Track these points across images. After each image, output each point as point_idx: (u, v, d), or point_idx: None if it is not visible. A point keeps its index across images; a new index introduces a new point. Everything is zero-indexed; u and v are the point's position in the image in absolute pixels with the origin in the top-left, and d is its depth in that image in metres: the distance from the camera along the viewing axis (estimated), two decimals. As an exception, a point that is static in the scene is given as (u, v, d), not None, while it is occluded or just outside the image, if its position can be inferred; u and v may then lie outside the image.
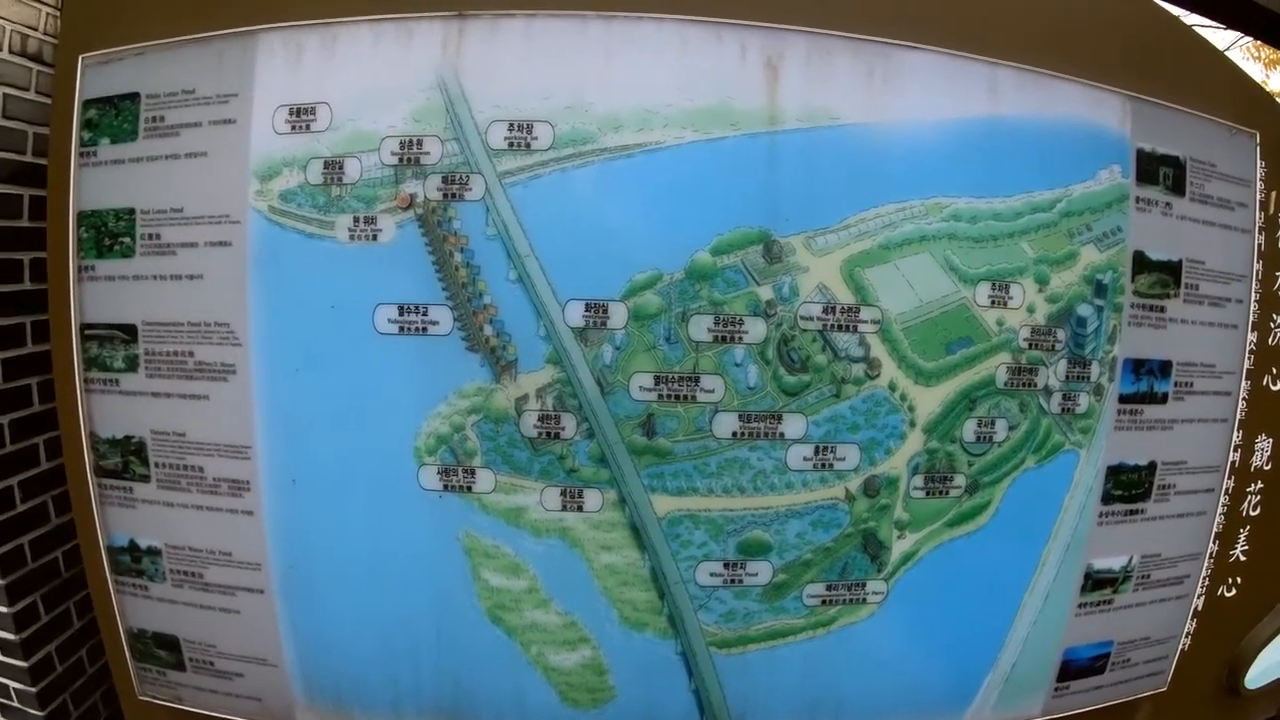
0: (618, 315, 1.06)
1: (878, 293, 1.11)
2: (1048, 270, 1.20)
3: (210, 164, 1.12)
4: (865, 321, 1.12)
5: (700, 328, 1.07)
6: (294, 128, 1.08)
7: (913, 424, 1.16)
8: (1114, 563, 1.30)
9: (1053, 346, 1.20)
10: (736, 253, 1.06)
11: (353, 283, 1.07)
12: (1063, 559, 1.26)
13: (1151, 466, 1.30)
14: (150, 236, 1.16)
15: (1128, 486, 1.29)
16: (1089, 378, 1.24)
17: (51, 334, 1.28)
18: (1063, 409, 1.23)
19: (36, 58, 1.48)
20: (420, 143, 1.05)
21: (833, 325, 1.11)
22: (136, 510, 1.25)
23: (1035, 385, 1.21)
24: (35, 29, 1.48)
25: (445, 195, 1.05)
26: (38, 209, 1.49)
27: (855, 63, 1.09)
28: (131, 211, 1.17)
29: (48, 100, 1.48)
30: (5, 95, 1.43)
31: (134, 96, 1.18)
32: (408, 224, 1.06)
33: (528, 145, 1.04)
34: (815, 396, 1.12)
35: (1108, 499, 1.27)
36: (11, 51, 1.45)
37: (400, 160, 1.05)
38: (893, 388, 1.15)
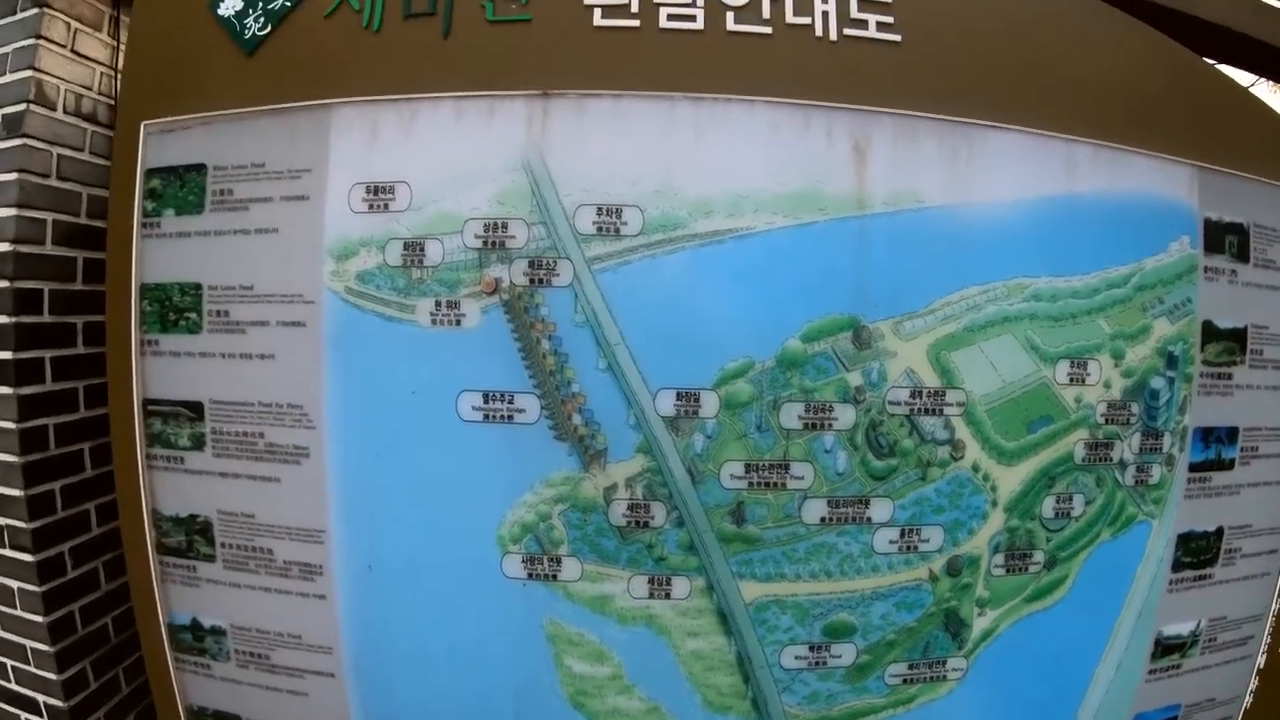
0: (709, 404, 0.99)
1: (963, 375, 1.05)
2: (1123, 345, 1.14)
3: (282, 241, 1.03)
4: (950, 404, 1.05)
5: (791, 415, 1.00)
6: (371, 207, 1.00)
7: (994, 503, 1.10)
8: (1183, 628, 1.25)
9: (1127, 420, 1.15)
10: (827, 339, 1.00)
11: (435, 368, 0.99)
12: (1134, 628, 1.20)
13: (1219, 532, 1.25)
14: (218, 313, 1.07)
15: (1196, 553, 1.24)
16: (1161, 449, 1.19)
17: (110, 408, 1.17)
18: (1137, 481, 1.17)
19: (91, 118, 1.38)
20: (505, 226, 0.97)
21: (919, 409, 1.04)
22: (200, 589, 1.15)
23: (1111, 459, 1.15)
24: (90, 89, 1.38)
25: (532, 280, 0.97)
26: (91, 272, 1.39)
27: (940, 145, 1.03)
28: (198, 286, 1.08)
29: (103, 162, 1.39)
30: (59, 156, 1.33)
31: (200, 168, 1.09)
32: (493, 309, 0.98)
33: (617, 230, 0.96)
34: (902, 480, 1.06)
35: (1177, 566, 1.22)
36: (66, 111, 1.34)
37: (485, 244, 0.98)
38: (976, 469, 1.08)
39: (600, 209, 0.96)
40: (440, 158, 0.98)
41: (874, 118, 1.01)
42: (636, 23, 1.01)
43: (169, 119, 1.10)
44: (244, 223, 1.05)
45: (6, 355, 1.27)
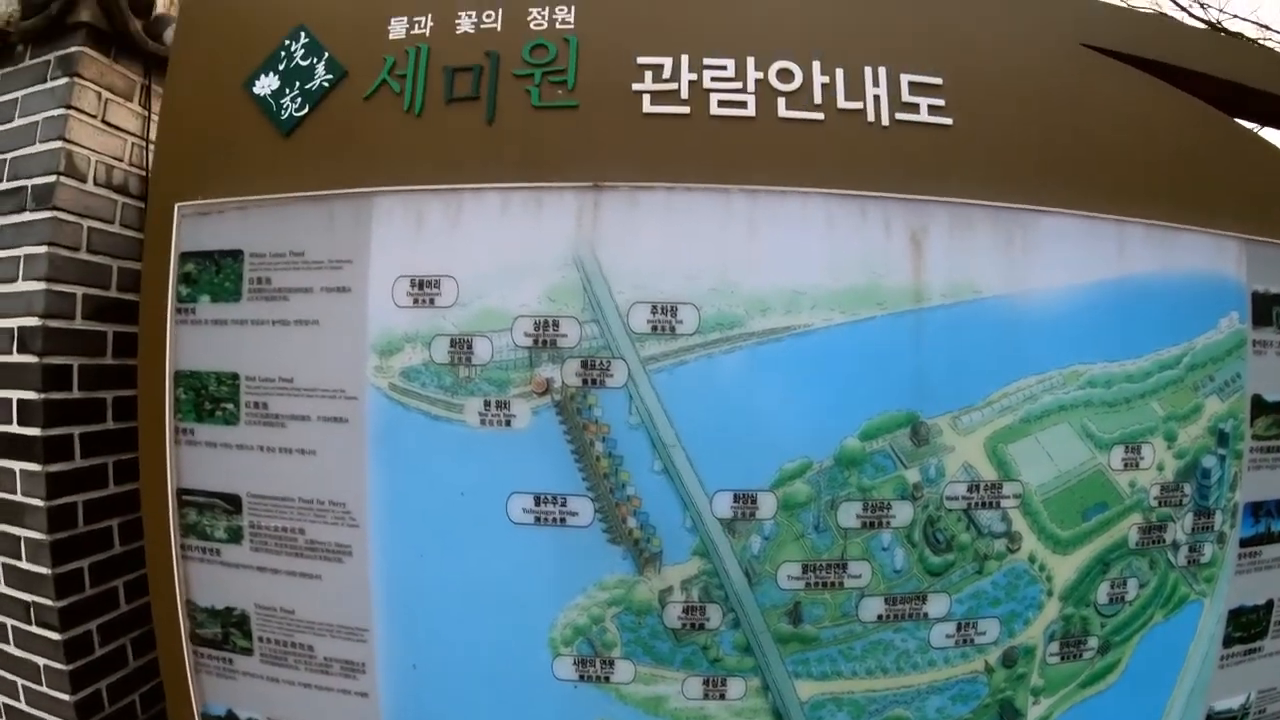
0: (767, 506, 0.93)
1: (1019, 467, 0.99)
2: (1176, 426, 1.08)
3: (323, 334, 0.97)
4: (1007, 496, 0.99)
5: (849, 514, 0.94)
6: (416, 301, 0.93)
7: (1050, 592, 1.04)
8: (1233, 702, 1.19)
9: (1180, 501, 1.09)
10: (885, 437, 0.94)
11: (484, 469, 0.92)
12: (1186, 705, 1.15)
13: (1269, 605, 1.19)
14: (256, 405, 1.00)
15: (1247, 627, 1.18)
16: (1213, 527, 1.13)
17: (143, 497, 1.08)
18: (1189, 561, 1.11)
19: (122, 189, 1.32)
20: (557, 324, 0.91)
21: (977, 503, 0.98)
22: (236, 681, 1.07)
23: (1164, 541, 1.10)
24: (121, 159, 1.32)
25: (585, 381, 0.91)
26: (122, 347, 1.32)
27: (995, 232, 0.97)
28: (235, 377, 1.01)
29: (134, 234, 1.32)
30: (90, 229, 1.27)
31: (237, 254, 1.02)
32: (544, 410, 0.92)
33: (672, 329, 0.90)
34: (959, 575, 1.00)
35: (1228, 641, 1.17)
36: (97, 183, 1.28)
37: (535, 342, 0.91)
38: (1032, 559, 1.02)
39: (655, 307, 0.90)
40: (487, 251, 0.92)
41: (930, 207, 0.95)
42: (686, 109, 0.95)
43: (203, 202, 1.03)
44: (283, 313, 0.98)
45: (35, 432, 1.21)
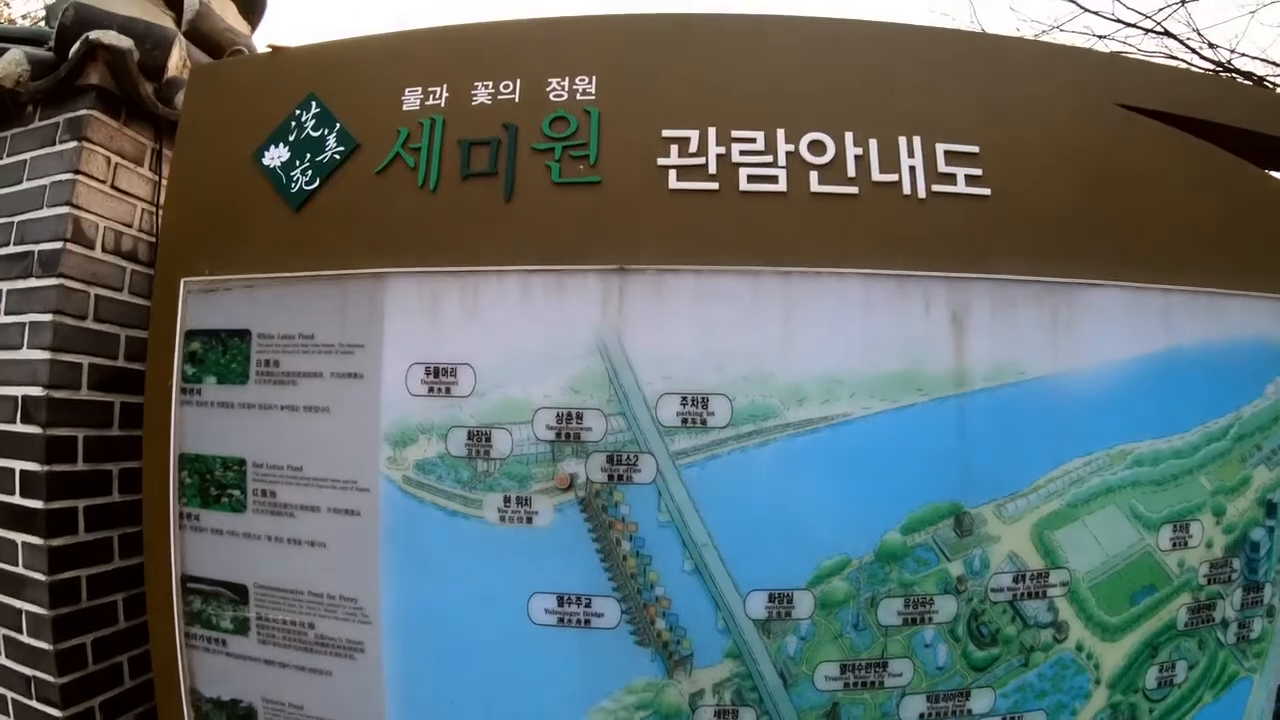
0: (804, 605, 0.84)
1: (1066, 554, 0.91)
2: (1224, 501, 1.00)
3: (334, 422, 0.89)
4: (1054, 585, 0.91)
5: (890, 611, 0.86)
6: (432, 390, 0.85)
7: (1098, 681, 0.95)
8: None
9: (1229, 577, 1.01)
10: (927, 530, 0.86)
11: (504, 568, 0.84)
12: (1235, 792, 1.10)
13: None
14: (264, 493, 0.93)
15: None
16: (1262, 601, 1.05)
17: (147, 582, 1.00)
18: (1239, 638, 1.03)
19: (131, 256, 1.24)
20: (580, 416, 0.83)
21: (1023, 594, 0.90)
22: (244, 775, 1.06)
23: (1214, 620, 1.01)
24: (130, 225, 1.23)
25: (611, 477, 0.83)
26: (129, 418, 1.23)
27: (1038, 309, 0.89)
28: (242, 462, 0.94)
29: (143, 302, 1.23)
30: (97, 297, 1.18)
31: (244, 334, 0.94)
32: (568, 507, 0.84)
33: (704, 422, 0.82)
34: (1004, 669, 0.91)
35: (1278, 714, 1.09)
36: (105, 250, 1.19)
37: (558, 435, 0.83)
38: (1079, 648, 0.94)
39: (685, 398, 0.82)
40: (507, 338, 0.84)
41: (971, 284, 0.87)
42: (715, 185, 0.87)
43: (210, 278, 0.96)
44: (292, 398, 0.91)
45: (38, 504, 1.12)
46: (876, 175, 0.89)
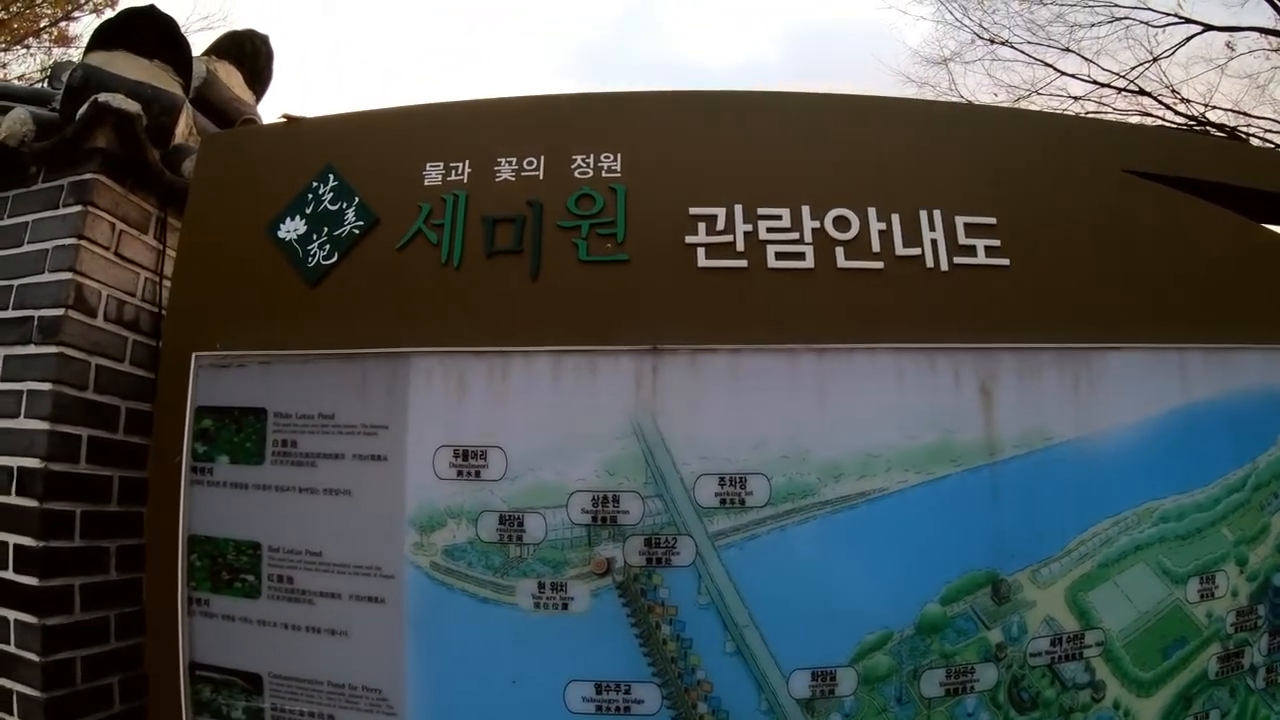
0: (847, 682, 0.80)
1: (1100, 614, 0.88)
2: (1246, 550, 0.99)
3: (356, 506, 0.83)
4: (1090, 646, 0.88)
5: (932, 683, 0.82)
6: (461, 473, 0.80)
7: None
8: None
9: (1255, 624, 0.99)
10: (966, 599, 0.83)
11: (539, 656, 0.79)
12: (1265, 839, 1.07)
13: None
14: (280, 579, 0.86)
15: None
16: None
17: (149, 669, 0.91)
18: (1267, 682, 1.00)
19: (133, 326, 1.15)
20: (617, 499, 0.79)
21: (1060, 656, 0.87)
22: None
23: (1243, 667, 0.99)
24: (133, 294, 1.15)
25: (649, 560, 0.79)
26: (127, 493, 1.13)
27: (1061, 374, 0.87)
28: (256, 546, 0.87)
29: (143, 374, 1.15)
30: (98, 366, 1.10)
31: (259, 413, 0.88)
32: (605, 592, 0.79)
33: (742, 502, 0.79)
34: None
35: None
36: (106, 319, 1.11)
37: (594, 519, 0.79)
38: (1117, 706, 0.91)
39: (723, 479, 0.79)
40: (538, 419, 0.80)
41: (997, 354, 0.86)
42: (744, 262, 0.85)
43: (223, 353, 0.90)
44: (311, 480, 0.84)
45: (33, 581, 1.03)
46: (900, 249, 0.88)
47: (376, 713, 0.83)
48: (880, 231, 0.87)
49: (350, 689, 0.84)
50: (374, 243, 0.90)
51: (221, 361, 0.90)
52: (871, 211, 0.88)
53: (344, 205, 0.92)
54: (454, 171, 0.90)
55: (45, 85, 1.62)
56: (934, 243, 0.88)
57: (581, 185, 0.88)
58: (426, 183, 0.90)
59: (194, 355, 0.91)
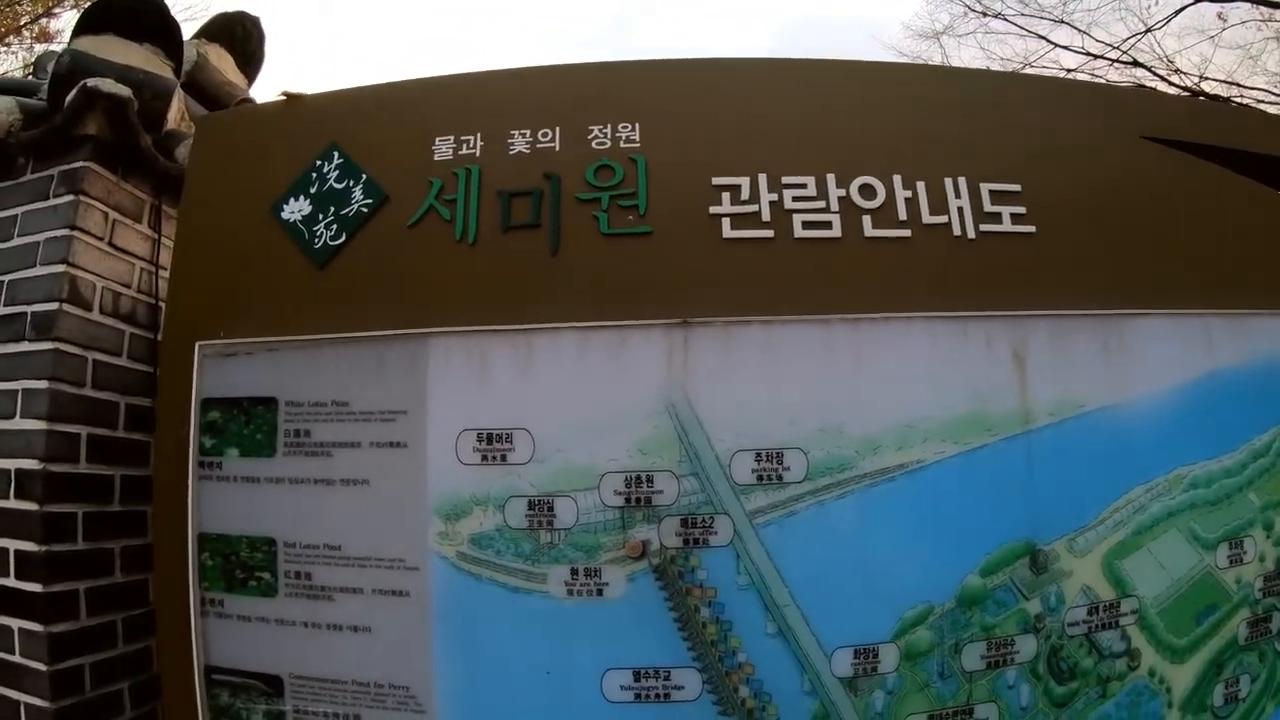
0: (889, 658, 0.75)
1: (1134, 581, 0.84)
2: (1272, 515, 0.95)
3: (375, 496, 0.76)
4: (1125, 614, 0.84)
5: (973, 656, 0.78)
6: (486, 458, 0.74)
7: (1170, 704, 0.89)
8: None
9: None
10: (1005, 570, 0.78)
11: (573, 644, 0.73)
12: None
13: None
14: (297, 575, 0.78)
15: None
16: None
17: (163, 675, 0.83)
18: None
19: (130, 319, 1.07)
20: (650, 479, 0.73)
21: (1097, 625, 0.83)
22: None
23: (1271, 631, 0.96)
24: (129, 286, 1.07)
25: (686, 541, 0.73)
26: (130, 492, 1.05)
27: (1091, 341, 0.83)
28: (271, 542, 0.79)
29: (143, 368, 1.07)
30: (95, 362, 1.01)
31: (269, 402, 0.81)
32: (641, 576, 0.73)
33: (779, 478, 0.73)
34: (1083, 702, 0.84)
35: None
36: (102, 312, 1.03)
37: (627, 501, 0.73)
38: (1152, 673, 0.87)
39: (759, 455, 0.73)
40: (566, 399, 0.74)
41: (1029, 321, 0.81)
42: (770, 233, 0.79)
43: (228, 341, 0.82)
44: (327, 471, 0.77)
45: (36, 588, 0.95)
46: (927, 217, 0.82)
47: (404, 711, 0.77)
48: (906, 199, 0.82)
49: (376, 687, 0.77)
50: (383, 221, 0.82)
51: (227, 350, 0.82)
52: (897, 179, 0.83)
53: (350, 183, 0.85)
54: (465, 145, 0.83)
55: (30, 77, 1.51)
56: (960, 210, 0.83)
57: (600, 156, 0.81)
58: (437, 158, 0.83)
59: (197, 345, 0.83)
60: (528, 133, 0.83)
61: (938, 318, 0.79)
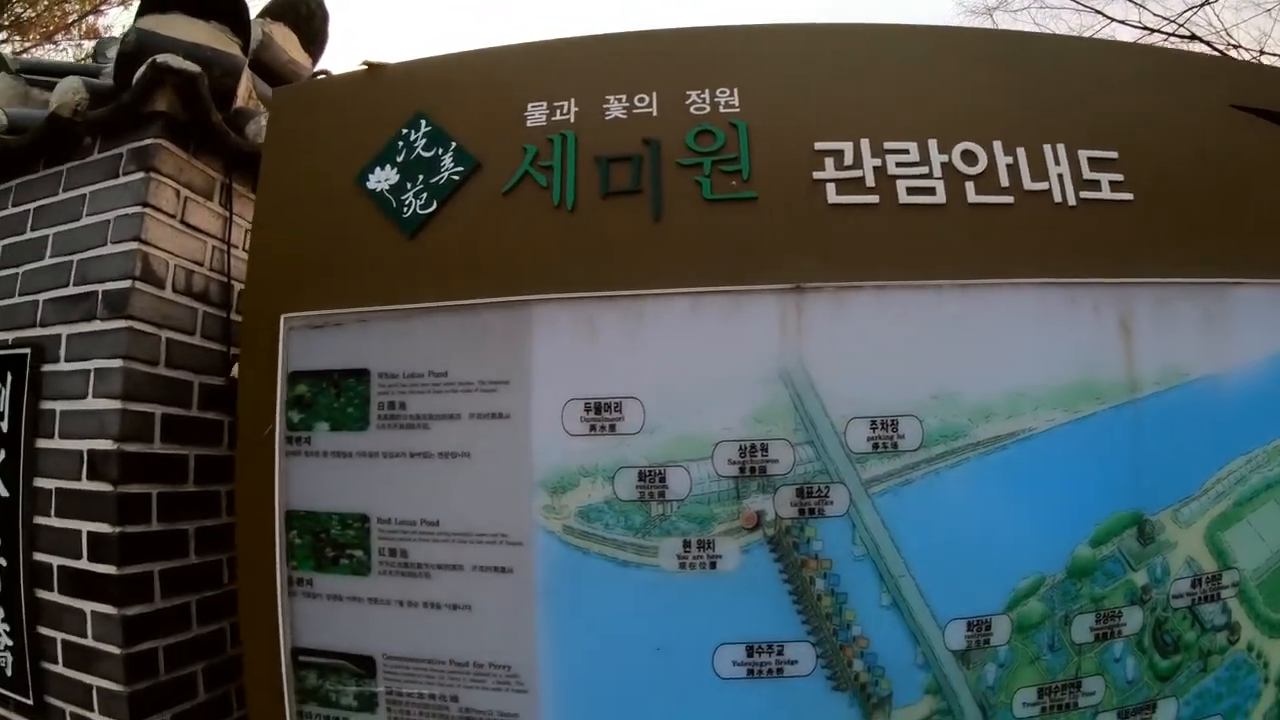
0: (1001, 630, 0.71)
1: (1234, 553, 0.79)
2: None
3: (476, 469, 0.71)
4: (1226, 586, 0.80)
5: (1083, 628, 0.73)
6: (594, 429, 0.69)
7: (1266, 679, 0.84)
8: None
9: None
10: (1114, 540, 0.74)
11: (685, 620, 0.68)
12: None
13: None
14: (392, 553, 0.73)
15: None
16: None
17: (246, 656, 0.79)
18: None
19: (202, 297, 1.02)
20: (765, 448, 0.68)
21: (1200, 598, 0.79)
22: None
23: None
24: (201, 264, 1.02)
25: (801, 511, 0.68)
26: (204, 472, 1.01)
27: (1193, 309, 0.78)
28: (364, 519, 0.74)
29: (214, 347, 1.03)
30: (168, 340, 0.97)
31: (361, 374, 0.75)
32: (755, 548, 0.69)
33: (894, 445, 0.69)
34: (1185, 676, 0.80)
35: None
36: (175, 290, 0.98)
37: (741, 470, 0.68)
38: (1250, 648, 0.83)
39: (874, 422, 0.69)
40: (677, 367, 0.69)
41: (1133, 289, 0.76)
42: (875, 198, 0.74)
43: (316, 313, 0.76)
44: (424, 444, 0.72)
45: (110, 570, 0.90)
46: (1028, 184, 0.77)
47: (505, 691, 0.71)
48: (1008, 166, 0.77)
49: (475, 667, 0.71)
50: (475, 189, 0.77)
51: (315, 322, 0.77)
52: (997, 145, 0.78)
53: (439, 151, 0.79)
54: (558, 111, 0.78)
55: (90, 62, 1.46)
56: (1060, 177, 0.78)
57: (700, 121, 0.76)
58: (529, 124, 0.78)
59: (282, 318, 0.78)
60: (624, 98, 0.78)
61: (1046, 284, 0.74)
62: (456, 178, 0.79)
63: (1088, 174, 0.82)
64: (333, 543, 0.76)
